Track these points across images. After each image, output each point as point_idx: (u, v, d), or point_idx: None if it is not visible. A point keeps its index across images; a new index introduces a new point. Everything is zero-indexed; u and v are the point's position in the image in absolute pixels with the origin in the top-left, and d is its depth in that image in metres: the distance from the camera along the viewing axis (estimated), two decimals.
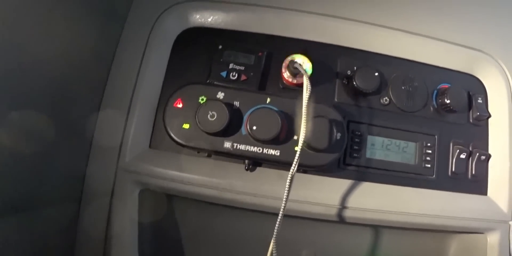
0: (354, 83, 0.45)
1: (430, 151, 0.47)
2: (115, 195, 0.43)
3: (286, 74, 0.44)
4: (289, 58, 0.43)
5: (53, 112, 0.36)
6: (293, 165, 0.37)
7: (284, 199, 0.37)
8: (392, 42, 0.49)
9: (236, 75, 0.45)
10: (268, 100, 0.41)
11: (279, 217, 0.37)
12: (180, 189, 0.42)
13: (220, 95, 0.40)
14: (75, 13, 0.37)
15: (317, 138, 0.39)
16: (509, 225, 0.47)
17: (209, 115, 0.38)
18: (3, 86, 0.30)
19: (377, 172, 0.46)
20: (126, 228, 0.43)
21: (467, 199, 0.47)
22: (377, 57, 0.49)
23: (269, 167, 0.44)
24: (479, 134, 0.50)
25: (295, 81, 0.44)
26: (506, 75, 0.50)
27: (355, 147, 0.45)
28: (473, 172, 0.48)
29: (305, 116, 0.37)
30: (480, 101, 0.50)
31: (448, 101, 0.47)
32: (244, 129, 0.40)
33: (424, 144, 0.47)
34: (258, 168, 0.43)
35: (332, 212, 0.43)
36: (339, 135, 0.40)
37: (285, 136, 0.40)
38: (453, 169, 0.47)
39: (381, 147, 0.46)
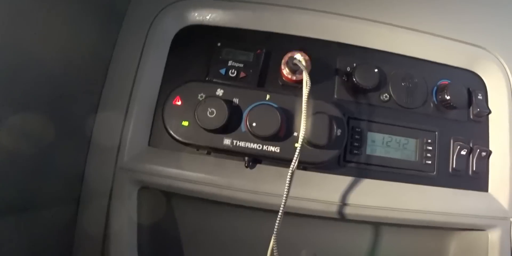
0: (354, 79, 0.45)
1: (430, 148, 0.47)
2: (114, 194, 0.43)
3: (285, 71, 0.44)
4: (288, 55, 0.43)
5: (51, 112, 0.36)
6: (293, 161, 0.37)
7: (284, 196, 0.37)
8: (391, 39, 0.48)
9: (235, 72, 0.44)
10: (268, 96, 0.40)
11: (279, 214, 0.37)
12: (180, 186, 0.42)
13: (219, 92, 0.40)
14: (73, 12, 0.37)
15: (317, 135, 0.39)
16: (510, 221, 0.47)
17: (208, 112, 0.38)
18: (0, 85, 0.29)
19: (377, 169, 0.46)
20: (125, 227, 0.43)
21: (468, 195, 0.47)
22: (377, 53, 0.49)
23: (269, 164, 0.43)
24: (479, 131, 0.50)
25: (294, 78, 0.44)
26: (506, 71, 0.50)
27: (355, 144, 0.45)
28: (474, 169, 0.48)
29: (304, 112, 0.37)
30: (480, 97, 0.50)
31: (448, 98, 0.47)
32: (243, 126, 0.40)
33: (425, 141, 0.47)
34: (258, 165, 0.43)
35: (333, 209, 0.43)
36: (339, 131, 0.40)
37: (284, 132, 0.40)
38: (454, 166, 0.47)
39: (381, 144, 0.46)
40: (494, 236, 0.47)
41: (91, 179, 0.43)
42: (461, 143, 0.48)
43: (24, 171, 0.34)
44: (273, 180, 0.42)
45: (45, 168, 0.37)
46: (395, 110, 0.47)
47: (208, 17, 0.47)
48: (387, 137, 0.46)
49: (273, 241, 0.37)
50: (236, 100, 0.40)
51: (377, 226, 0.51)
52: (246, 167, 0.42)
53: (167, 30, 0.46)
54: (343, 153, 0.45)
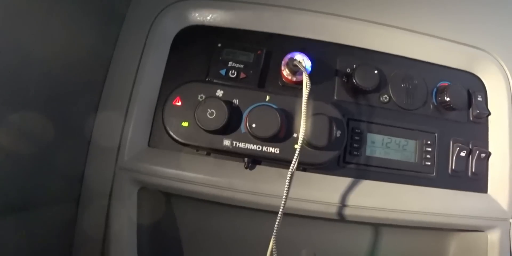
0: (354, 81, 0.45)
1: (430, 149, 0.47)
2: (114, 194, 0.43)
3: (285, 72, 0.44)
4: (288, 56, 0.43)
5: (51, 112, 0.36)
6: (293, 163, 0.37)
7: (284, 197, 0.37)
8: (391, 40, 0.49)
9: (235, 73, 0.44)
10: (268, 97, 0.40)
11: (279, 215, 0.37)
12: (179, 187, 0.42)
13: (219, 93, 0.40)
14: (73, 12, 0.37)
15: (317, 136, 0.39)
16: (510, 222, 0.47)
17: (208, 113, 0.38)
18: (0, 85, 0.29)
19: (377, 170, 0.46)
20: (125, 227, 0.43)
21: (467, 197, 0.47)
22: (377, 55, 0.49)
23: (269, 165, 0.43)
24: (479, 132, 0.50)
25: (294, 79, 0.44)
26: (506, 73, 0.50)
27: (355, 145, 0.45)
28: (473, 170, 0.48)
29: (304, 113, 0.37)
30: (479, 99, 0.50)
31: (448, 99, 0.47)
32: (243, 127, 0.40)
33: (424, 142, 0.47)
34: (257, 166, 0.43)
35: (332, 210, 0.43)
36: (339, 132, 0.40)
37: (284, 134, 0.40)
38: (453, 167, 0.47)
39: (381, 145, 0.46)
40: (493, 237, 0.47)
41: (91, 179, 0.43)
42: (460, 144, 0.48)
43: (23, 171, 0.34)
44: (272, 181, 0.42)
45: (44, 168, 0.37)
46: (394, 112, 0.47)
47: (208, 18, 0.47)
48: (386, 138, 0.46)
49: (273, 242, 0.37)
50: (236, 101, 0.40)
51: (377, 227, 0.51)
52: (246, 168, 0.42)
53: (167, 30, 0.46)
54: (342, 154, 0.45)
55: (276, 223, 0.37)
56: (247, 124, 0.39)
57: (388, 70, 0.48)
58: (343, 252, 0.52)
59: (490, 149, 0.49)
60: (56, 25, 0.34)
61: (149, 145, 0.44)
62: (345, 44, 0.48)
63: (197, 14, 0.47)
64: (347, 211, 0.43)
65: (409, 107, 0.47)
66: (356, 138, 0.45)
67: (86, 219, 0.43)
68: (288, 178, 0.37)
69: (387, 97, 0.47)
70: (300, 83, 0.43)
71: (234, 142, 0.39)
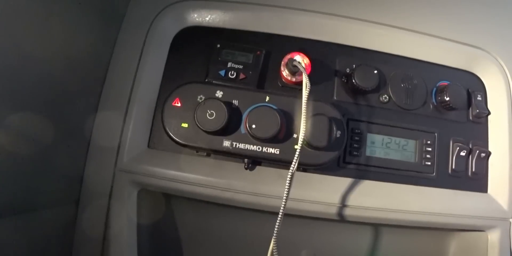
0: (353, 81, 0.45)
1: (430, 149, 0.47)
2: (113, 195, 0.43)
3: (285, 73, 0.44)
4: (288, 56, 0.43)
5: (50, 113, 0.36)
6: (293, 163, 0.37)
7: (284, 198, 0.37)
8: (391, 40, 0.48)
9: (235, 73, 0.44)
10: (267, 98, 0.40)
11: (279, 216, 0.37)
12: (179, 188, 0.42)
13: (219, 93, 0.40)
14: (72, 13, 0.37)
15: (317, 136, 0.39)
16: (510, 222, 0.47)
17: (207, 114, 0.38)
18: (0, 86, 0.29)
19: (377, 170, 0.46)
20: (125, 229, 0.43)
21: (468, 196, 0.47)
22: (376, 55, 0.49)
23: (269, 166, 0.43)
24: (478, 132, 0.50)
25: (294, 80, 0.44)
26: (505, 72, 0.50)
27: (355, 145, 0.45)
28: (473, 170, 0.48)
29: (304, 114, 0.37)
30: (479, 98, 0.50)
31: (447, 99, 0.47)
32: (243, 128, 0.40)
33: (424, 142, 0.47)
34: (257, 167, 0.43)
35: (332, 210, 0.43)
36: (338, 133, 0.40)
37: (284, 134, 0.40)
38: (453, 167, 0.47)
39: (381, 145, 0.46)
40: (493, 236, 0.47)
41: (90, 181, 0.43)
42: (460, 144, 0.48)
43: (23, 172, 0.34)
44: (272, 181, 0.42)
45: (44, 169, 0.37)
46: (394, 112, 0.47)
47: (207, 18, 0.47)
48: (386, 138, 0.46)
49: (273, 243, 0.37)
50: (235, 102, 0.40)
51: (377, 227, 0.51)
52: (246, 169, 0.42)
53: (166, 31, 0.46)
54: (342, 155, 0.45)
55: (277, 223, 0.37)
56: (247, 125, 0.39)
57: (388, 70, 0.48)
58: (343, 253, 0.52)
59: (490, 149, 0.49)
60: (56, 26, 0.34)
61: (148, 146, 0.44)
62: (344, 44, 0.48)
63: (196, 15, 0.46)
64: (347, 212, 0.43)
65: (409, 107, 0.47)
66: (356, 138, 0.45)
67: (86, 220, 0.43)
68: (288, 178, 0.37)
69: (387, 97, 0.47)
70: (299, 83, 0.43)
71: (234, 143, 0.39)
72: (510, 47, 0.51)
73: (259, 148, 0.39)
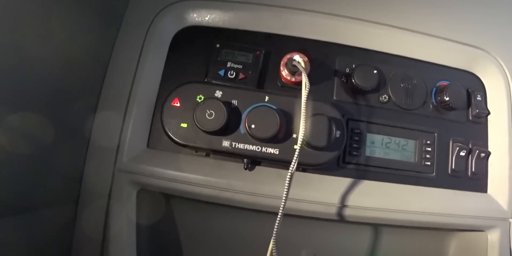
0: (353, 81, 0.45)
1: (429, 149, 0.47)
2: (113, 196, 0.43)
3: (284, 72, 0.44)
4: (287, 56, 0.43)
5: (50, 113, 0.36)
6: (293, 163, 0.37)
7: (284, 198, 0.37)
8: (391, 40, 0.48)
9: (234, 73, 0.44)
10: (267, 98, 0.40)
11: (279, 216, 0.37)
12: (179, 188, 0.42)
13: (218, 93, 0.40)
14: (72, 12, 0.37)
15: (316, 136, 0.39)
16: (510, 222, 0.47)
17: (207, 114, 0.38)
18: None
19: (376, 170, 0.46)
20: (124, 229, 0.43)
21: (467, 196, 0.47)
22: (376, 55, 0.49)
23: (268, 166, 0.43)
24: (478, 132, 0.50)
25: (293, 79, 0.44)
26: (505, 72, 0.50)
27: (355, 145, 0.45)
28: (473, 170, 0.48)
29: (304, 114, 0.37)
30: (479, 98, 0.50)
31: (447, 99, 0.47)
32: (242, 128, 0.40)
33: (424, 142, 0.47)
34: (257, 167, 0.43)
35: (332, 210, 0.43)
36: (338, 133, 0.40)
37: (284, 134, 0.40)
38: (453, 167, 0.47)
39: (380, 145, 0.46)
40: (493, 236, 0.47)
41: (90, 181, 0.43)
42: (460, 144, 0.48)
43: (22, 172, 0.34)
44: (272, 181, 0.42)
45: (44, 169, 0.37)
46: (394, 111, 0.47)
47: (207, 18, 0.47)
48: (386, 138, 0.46)
49: (273, 243, 0.37)
50: (235, 102, 0.40)
51: (377, 227, 0.51)
52: (245, 169, 0.42)
53: (166, 31, 0.46)
54: (342, 155, 0.45)
55: (276, 223, 0.37)
56: (247, 125, 0.39)
57: (387, 70, 0.48)
58: (343, 253, 0.52)
59: (489, 149, 0.49)
60: (55, 26, 0.34)
61: (148, 146, 0.44)
62: (344, 44, 0.48)
63: (195, 15, 0.46)
64: (347, 212, 0.43)
65: (409, 107, 0.47)
66: (356, 138, 0.45)
67: (85, 220, 0.43)
68: (288, 178, 0.37)
69: (387, 97, 0.47)
70: (299, 83, 0.43)
71: (234, 143, 0.39)
72: (510, 47, 0.51)
73: (258, 148, 0.39)
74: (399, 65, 0.49)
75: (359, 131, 0.46)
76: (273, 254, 0.37)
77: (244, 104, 0.40)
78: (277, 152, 0.40)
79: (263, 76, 0.46)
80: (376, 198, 0.44)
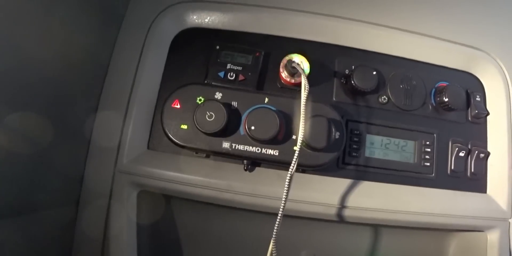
0: (352, 82, 0.45)
1: (429, 150, 0.47)
2: (113, 197, 0.43)
3: (284, 74, 0.44)
4: (287, 58, 0.43)
5: (50, 114, 0.36)
6: (292, 164, 0.37)
7: (284, 199, 0.37)
8: (390, 41, 0.49)
9: (234, 75, 0.44)
10: (266, 100, 0.41)
11: (279, 217, 0.37)
12: (179, 190, 0.42)
13: (218, 95, 0.40)
14: (72, 14, 0.37)
15: (316, 138, 0.39)
16: (509, 222, 0.47)
17: (207, 116, 0.38)
18: None
19: (376, 171, 0.46)
20: (125, 230, 0.43)
21: (467, 197, 0.47)
22: (375, 56, 0.49)
23: (268, 167, 0.43)
24: (477, 132, 0.50)
25: (293, 81, 0.44)
26: (504, 73, 0.50)
27: (354, 146, 0.45)
28: (472, 170, 0.48)
29: (303, 115, 0.37)
30: (478, 99, 0.50)
31: (446, 100, 0.47)
32: (242, 129, 0.40)
33: (423, 143, 0.47)
34: (257, 168, 0.43)
35: (332, 211, 0.43)
36: (337, 134, 0.40)
37: (283, 135, 0.40)
38: (452, 167, 0.47)
39: (380, 146, 0.46)
40: (493, 237, 0.47)
41: (90, 181, 0.43)
42: (459, 144, 0.48)
43: (23, 173, 0.34)
44: (272, 182, 0.42)
45: (44, 170, 0.37)
46: (393, 112, 0.47)
47: (206, 20, 0.47)
48: (385, 139, 0.46)
49: (272, 244, 0.37)
50: (234, 103, 0.40)
51: (376, 227, 0.51)
52: (245, 170, 0.42)
53: (166, 32, 0.46)
54: (342, 156, 0.45)
55: (276, 224, 0.37)
56: (246, 126, 0.39)
57: (387, 71, 0.48)
58: (343, 253, 0.52)
59: (489, 149, 0.49)
60: (55, 27, 0.34)
61: (148, 147, 0.44)
62: (343, 45, 0.48)
63: (195, 17, 0.47)
64: (347, 213, 0.43)
65: (408, 108, 0.47)
66: (355, 139, 0.45)
67: (86, 221, 0.43)
68: (287, 180, 0.37)
69: (386, 98, 0.47)
70: (298, 84, 0.43)
71: (233, 145, 0.39)
72: (509, 48, 0.52)
73: (258, 150, 0.40)
74: (398, 66, 0.49)
75: (358, 132, 0.46)
76: (273, 255, 0.37)
77: (243, 106, 0.40)
78: (277, 153, 0.40)
79: (262, 77, 0.46)
80: (375, 199, 0.44)
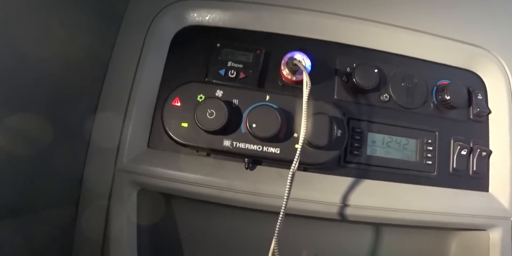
0: (354, 80, 0.45)
1: (431, 148, 0.47)
2: (113, 196, 0.43)
3: (285, 72, 0.44)
4: (288, 55, 0.43)
5: (49, 113, 0.36)
6: (294, 163, 0.37)
7: (285, 198, 0.36)
8: (391, 39, 0.48)
9: (235, 73, 0.44)
10: (268, 97, 0.40)
11: (281, 216, 0.36)
12: (179, 188, 0.42)
13: (219, 93, 0.40)
14: (71, 13, 0.36)
15: (318, 136, 0.38)
16: (511, 221, 0.47)
17: (207, 114, 0.38)
18: None
19: (378, 170, 0.45)
20: (125, 229, 0.43)
21: (469, 195, 0.47)
22: (377, 54, 0.49)
23: (269, 166, 0.43)
24: (479, 130, 0.49)
25: (294, 79, 0.43)
26: (505, 71, 0.50)
27: (356, 145, 0.45)
28: (474, 169, 0.48)
29: (305, 113, 0.37)
30: (480, 97, 0.50)
31: (448, 98, 0.47)
32: (243, 127, 0.39)
33: (425, 141, 0.47)
34: (258, 167, 0.43)
35: (333, 210, 0.43)
36: (339, 132, 0.40)
37: (285, 134, 0.40)
38: (454, 166, 0.47)
39: (381, 144, 0.46)
40: (495, 235, 0.47)
41: (90, 181, 0.43)
42: (461, 143, 0.48)
43: (23, 173, 0.34)
44: (273, 181, 0.42)
45: (44, 170, 0.37)
46: (395, 111, 0.47)
47: (207, 18, 0.46)
48: (387, 137, 0.46)
49: (274, 243, 0.37)
50: (235, 101, 0.40)
51: (378, 226, 0.51)
52: (246, 168, 0.42)
53: (166, 30, 0.46)
54: (343, 154, 0.45)
55: (278, 223, 0.36)
56: (247, 124, 0.38)
57: (388, 69, 0.48)
58: (344, 252, 0.52)
59: (490, 147, 0.49)
60: (54, 26, 0.34)
61: (148, 146, 0.44)
62: (344, 43, 0.48)
63: (195, 14, 0.46)
64: (348, 211, 0.43)
65: (410, 106, 0.47)
66: (357, 137, 0.45)
67: (86, 221, 0.43)
68: (289, 178, 0.37)
69: (387, 96, 0.47)
70: (300, 82, 0.43)
71: (234, 143, 0.39)
72: (510, 46, 0.51)
73: (259, 148, 0.39)
74: (400, 64, 0.49)
75: (360, 130, 0.45)
76: (275, 254, 0.37)
77: (245, 104, 0.40)
78: (278, 152, 0.39)
79: (263, 75, 0.45)
80: (377, 197, 0.44)
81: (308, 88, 0.38)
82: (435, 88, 0.49)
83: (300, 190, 0.41)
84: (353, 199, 0.43)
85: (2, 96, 0.30)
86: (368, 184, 0.44)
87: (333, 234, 0.51)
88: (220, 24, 0.47)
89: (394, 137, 0.46)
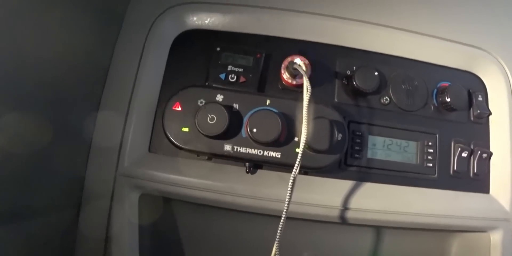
0: (354, 83, 0.45)
1: (431, 150, 0.47)
2: (115, 199, 0.43)
3: (285, 75, 0.43)
4: (288, 59, 0.43)
5: (50, 116, 0.36)
6: (295, 167, 0.37)
7: (287, 202, 0.36)
8: (391, 41, 0.48)
9: (235, 77, 0.44)
10: (268, 102, 0.40)
11: (282, 220, 0.36)
12: (180, 192, 0.42)
13: (219, 97, 0.40)
14: (72, 15, 0.36)
15: (318, 139, 0.39)
16: None
17: (208, 118, 0.38)
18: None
19: (378, 172, 0.45)
20: (126, 232, 0.43)
21: (469, 198, 0.47)
22: (377, 56, 0.48)
23: (270, 170, 0.43)
24: (480, 132, 0.49)
25: (294, 82, 0.43)
26: (506, 72, 0.50)
27: (356, 148, 0.45)
28: (475, 171, 0.48)
29: (305, 118, 0.37)
30: (480, 99, 0.49)
31: (448, 100, 0.47)
32: (244, 132, 0.39)
33: (425, 143, 0.47)
34: (259, 171, 0.43)
35: (334, 213, 0.43)
36: (340, 135, 0.40)
37: (285, 138, 0.40)
38: (455, 168, 0.47)
39: (382, 147, 0.46)
40: (496, 237, 0.47)
41: (91, 184, 0.43)
42: (462, 145, 0.48)
43: (24, 176, 0.34)
44: (274, 185, 0.42)
45: (45, 173, 0.37)
46: (395, 113, 0.47)
47: (207, 22, 0.46)
48: (387, 140, 0.46)
49: (276, 247, 0.37)
50: (236, 106, 0.40)
51: (379, 229, 0.51)
52: (247, 172, 0.42)
53: (166, 34, 0.46)
54: (344, 157, 0.45)
55: (279, 227, 0.36)
56: (248, 129, 0.38)
57: (388, 71, 0.48)
58: (345, 255, 0.52)
59: (491, 149, 0.49)
60: (55, 28, 0.34)
61: (149, 150, 0.44)
62: (344, 46, 0.48)
63: (195, 18, 0.46)
64: (349, 214, 0.43)
65: (410, 108, 0.47)
66: (357, 140, 0.45)
67: (88, 224, 0.43)
68: (290, 182, 0.37)
69: (388, 99, 0.47)
70: (300, 86, 0.43)
71: (235, 147, 0.39)
72: (510, 47, 0.51)
73: (260, 152, 0.39)
74: (400, 66, 0.49)
75: (360, 133, 0.45)
76: None
77: (245, 108, 0.40)
78: (279, 156, 0.39)
79: (263, 79, 0.45)
80: (378, 200, 0.44)
81: (309, 93, 0.38)
82: (435, 90, 0.49)
83: (300, 193, 0.41)
84: (354, 202, 0.43)
85: (3, 97, 0.30)
86: (369, 187, 0.44)
87: (334, 237, 0.51)
88: (220, 27, 0.47)
89: (395, 140, 0.46)
